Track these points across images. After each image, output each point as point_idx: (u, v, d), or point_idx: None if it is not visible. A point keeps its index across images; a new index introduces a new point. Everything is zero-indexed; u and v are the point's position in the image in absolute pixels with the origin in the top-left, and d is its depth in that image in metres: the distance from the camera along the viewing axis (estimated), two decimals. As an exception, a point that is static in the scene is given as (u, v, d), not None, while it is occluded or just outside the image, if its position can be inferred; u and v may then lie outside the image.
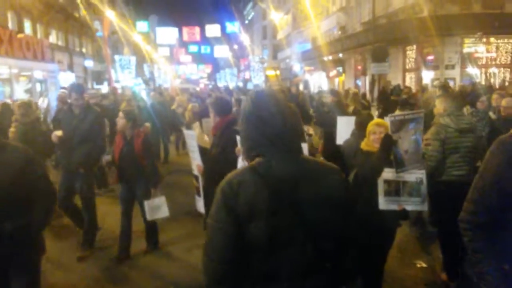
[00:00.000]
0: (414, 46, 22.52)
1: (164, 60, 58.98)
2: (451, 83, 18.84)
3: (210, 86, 50.69)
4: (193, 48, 68.33)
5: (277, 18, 44.52)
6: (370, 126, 3.46)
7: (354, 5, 29.52)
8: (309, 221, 1.59)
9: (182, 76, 68.56)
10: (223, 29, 55.76)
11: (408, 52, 23.67)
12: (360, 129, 4.19)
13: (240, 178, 1.62)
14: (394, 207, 3.28)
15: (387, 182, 3.26)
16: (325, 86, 31.17)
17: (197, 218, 5.71)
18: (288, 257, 1.59)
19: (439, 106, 4.19)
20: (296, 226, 1.59)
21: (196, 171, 3.93)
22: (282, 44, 45.59)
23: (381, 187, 3.26)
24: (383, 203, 3.26)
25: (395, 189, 3.27)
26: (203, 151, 3.89)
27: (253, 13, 63.58)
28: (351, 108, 7.15)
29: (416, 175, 3.29)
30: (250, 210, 1.56)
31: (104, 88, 24.62)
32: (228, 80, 56.30)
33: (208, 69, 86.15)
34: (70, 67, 28.33)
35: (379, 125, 3.41)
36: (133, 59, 36.90)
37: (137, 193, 4.75)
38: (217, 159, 3.75)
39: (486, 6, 19.60)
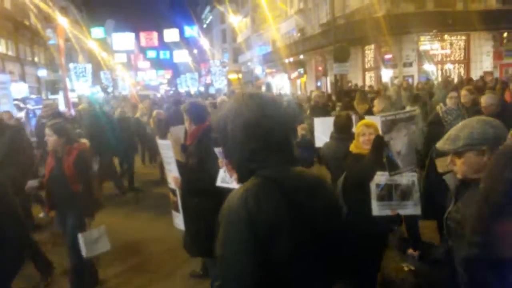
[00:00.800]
0: (373, 46, 22.98)
1: (121, 67, 57.45)
2: (409, 80, 19.42)
3: (171, 92, 49.95)
4: (151, 54, 67.00)
5: (236, 21, 44.41)
6: (359, 128, 3.30)
7: (312, 7, 29.85)
8: (320, 231, 1.51)
9: (141, 82, 67.10)
10: (181, 33, 54.96)
11: (366, 52, 24.16)
12: (341, 131, 4.04)
13: (254, 194, 1.43)
14: (387, 212, 3.13)
15: (379, 186, 3.10)
16: (288, 88, 31.35)
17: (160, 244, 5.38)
18: (305, 271, 1.49)
19: (378, 106, 4.81)
20: (311, 237, 1.49)
21: (173, 185, 3.61)
22: (242, 47, 45.52)
23: (373, 192, 3.10)
24: (376, 209, 3.10)
25: (388, 193, 3.12)
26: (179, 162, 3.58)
27: (211, 17, 63.16)
28: (364, 107, 6.07)
29: (408, 178, 3.15)
30: (273, 226, 1.41)
31: (60, 98, 23.49)
32: (189, 85, 55.60)
33: (168, 74, 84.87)
34: (22, 78, 26.95)
35: (368, 126, 3.26)
36: (88, 66, 35.66)
37: (68, 223, 3.92)
38: (195, 170, 3.46)
39: (439, 5, 20.31)
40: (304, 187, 1.53)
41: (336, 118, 4.06)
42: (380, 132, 3.02)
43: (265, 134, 1.47)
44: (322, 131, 4.36)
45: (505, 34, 21.10)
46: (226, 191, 3.29)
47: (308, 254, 1.48)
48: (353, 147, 3.32)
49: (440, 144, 2.00)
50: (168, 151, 3.58)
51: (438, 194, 3.09)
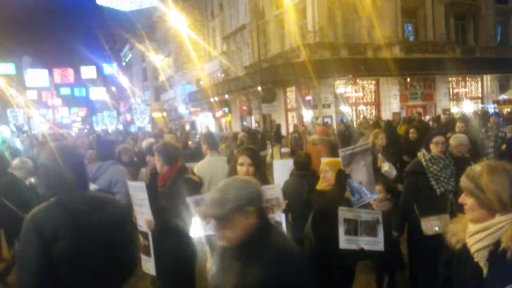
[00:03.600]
0: (293, 88, 24.41)
1: (31, 104, 53.77)
2: (328, 120, 20.90)
3: (85, 130, 47.61)
4: (65, 91, 63.77)
5: (158, 60, 44.32)
6: (323, 166, 3.61)
7: (235, 49, 31.07)
8: (99, 237, 2.22)
9: (51, 121, 63.18)
10: (99, 70, 53.40)
11: (288, 93, 25.54)
12: (301, 169, 4.36)
13: (44, 209, 2.19)
14: (353, 246, 3.38)
15: (346, 221, 3.37)
16: (213, 126, 31.70)
17: None
18: (85, 267, 2.16)
19: None
20: (90, 242, 2.19)
21: (145, 227, 3.54)
22: (165, 86, 45.34)
23: (341, 226, 3.36)
24: (344, 242, 3.34)
25: (354, 228, 3.40)
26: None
27: (131, 55, 62.32)
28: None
29: (372, 215, 3.46)
30: (54, 232, 2.11)
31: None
32: (107, 123, 53.66)
33: (82, 112, 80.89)
34: None
35: (325, 164, 3.59)
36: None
37: None
38: (169, 211, 3.48)
39: (352, 52, 22.40)
40: (86, 206, 2.26)
41: (296, 157, 4.38)
42: (341, 166, 3.34)
43: (61, 172, 2.25)
44: (282, 172, 4.60)
45: (408, 79, 23.83)
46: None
47: (87, 254, 2.17)
48: (318, 186, 3.62)
49: (203, 211, 1.94)
50: (141, 193, 3.53)
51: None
